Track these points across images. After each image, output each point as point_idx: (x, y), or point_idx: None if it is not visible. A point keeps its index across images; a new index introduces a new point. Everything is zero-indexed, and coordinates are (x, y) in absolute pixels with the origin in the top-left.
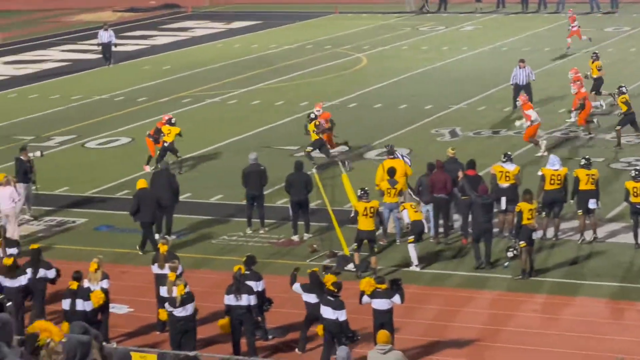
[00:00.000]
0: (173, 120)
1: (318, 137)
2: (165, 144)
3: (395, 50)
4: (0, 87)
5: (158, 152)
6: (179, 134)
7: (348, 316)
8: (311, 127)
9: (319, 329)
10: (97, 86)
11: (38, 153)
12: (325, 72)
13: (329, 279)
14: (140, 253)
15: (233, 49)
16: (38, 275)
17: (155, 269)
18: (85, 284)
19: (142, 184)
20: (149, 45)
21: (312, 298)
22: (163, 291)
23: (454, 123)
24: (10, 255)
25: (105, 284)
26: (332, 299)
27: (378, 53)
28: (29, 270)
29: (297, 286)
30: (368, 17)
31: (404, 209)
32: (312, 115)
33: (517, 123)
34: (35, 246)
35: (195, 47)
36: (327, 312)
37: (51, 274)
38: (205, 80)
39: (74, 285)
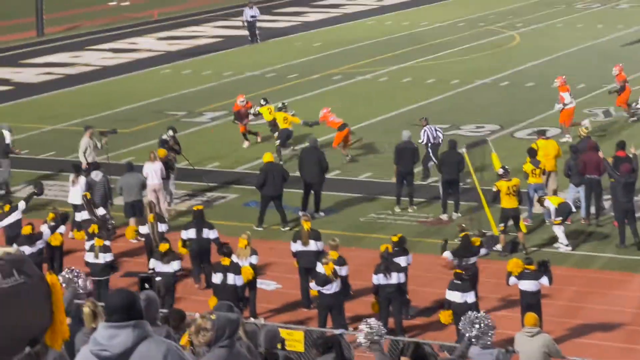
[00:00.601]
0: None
1: (285, 127)
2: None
3: (549, 28)
4: (154, 62)
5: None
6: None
7: (490, 296)
8: (280, 116)
9: (442, 315)
10: (249, 62)
11: (170, 132)
12: (477, 50)
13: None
14: (260, 229)
15: (384, 26)
16: (202, 236)
17: (297, 246)
18: (234, 259)
19: (268, 157)
20: (301, 22)
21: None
22: (321, 267)
23: (607, 103)
24: (161, 232)
25: (254, 259)
26: (459, 282)
27: (531, 31)
28: (192, 231)
29: (447, 253)
30: None
31: (545, 200)
32: (280, 105)
33: (556, 107)
34: (198, 207)
35: (346, 24)
36: (454, 295)
37: (213, 234)
38: (356, 57)
39: (226, 261)
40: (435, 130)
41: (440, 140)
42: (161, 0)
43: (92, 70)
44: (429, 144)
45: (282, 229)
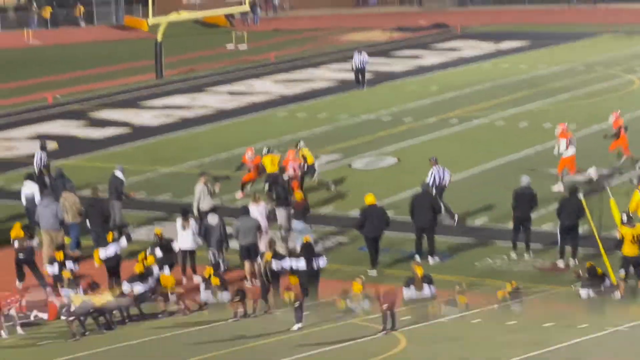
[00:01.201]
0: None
1: (272, 172)
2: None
3: None
4: (271, 105)
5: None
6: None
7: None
8: (267, 160)
9: None
10: (364, 105)
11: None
12: (595, 94)
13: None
14: (373, 273)
15: (501, 69)
16: (313, 266)
17: (410, 291)
18: (347, 304)
19: (370, 199)
20: (417, 66)
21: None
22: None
23: None
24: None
25: (366, 305)
26: None
27: None
28: (302, 261)
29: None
30: None
31: None
32: (265, 150)
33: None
34: (307, 239)
35: (463, 67)
36: None
37: (323, 262)
38: (473, 100)
39: (342, 304)
40: (444, 171)
41: (446, 182)
42: (278, 43)
43: (210, 112)
44: (434, 186)
45: (369, 272)
